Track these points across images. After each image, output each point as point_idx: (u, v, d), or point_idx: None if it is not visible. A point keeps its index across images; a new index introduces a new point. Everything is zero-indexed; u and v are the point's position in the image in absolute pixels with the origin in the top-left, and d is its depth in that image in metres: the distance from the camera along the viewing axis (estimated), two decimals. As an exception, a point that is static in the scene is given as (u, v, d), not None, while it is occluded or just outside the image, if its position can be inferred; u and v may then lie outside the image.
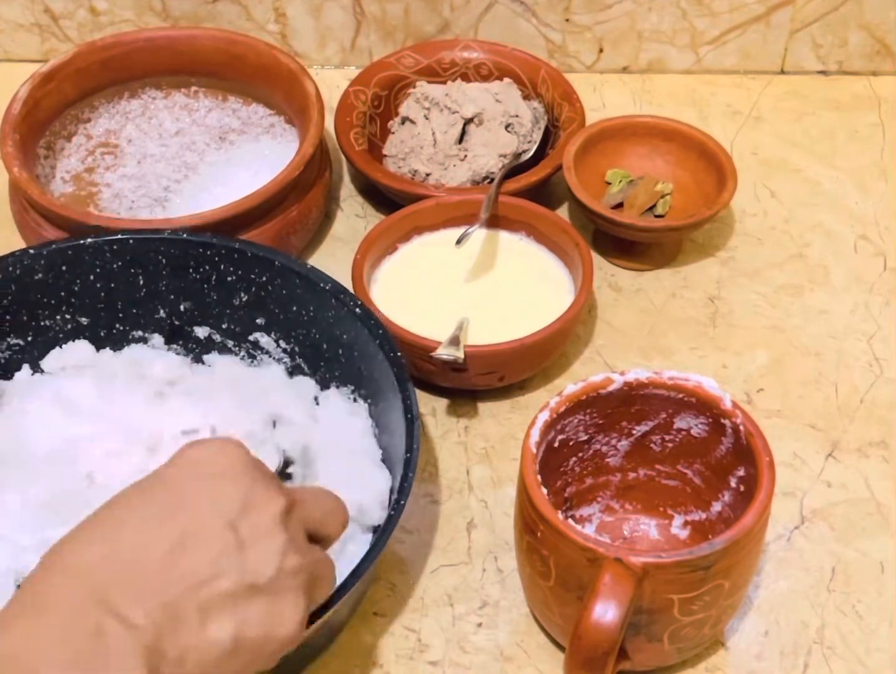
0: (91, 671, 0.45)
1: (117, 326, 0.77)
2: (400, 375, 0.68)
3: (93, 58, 0.93)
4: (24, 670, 0.44)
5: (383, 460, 0.71)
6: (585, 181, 0.87)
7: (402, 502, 0.63)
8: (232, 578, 0.49)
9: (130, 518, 0.49)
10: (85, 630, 0.46)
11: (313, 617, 0.55)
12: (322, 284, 0.73)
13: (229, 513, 0.50)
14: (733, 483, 0.67)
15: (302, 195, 0.87)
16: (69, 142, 0.93)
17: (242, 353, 0.78)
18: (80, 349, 0.76)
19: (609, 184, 0.91)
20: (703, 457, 0.68)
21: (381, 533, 0.62)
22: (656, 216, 0.89)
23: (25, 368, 0.76)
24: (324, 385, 0.76)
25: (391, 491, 0.68)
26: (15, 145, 0.85)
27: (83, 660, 0.45)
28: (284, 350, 0.77)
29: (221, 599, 0.48)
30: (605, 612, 0.57)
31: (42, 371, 0.76)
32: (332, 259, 0.89)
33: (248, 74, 0.94)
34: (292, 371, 0.77)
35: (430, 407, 0.80)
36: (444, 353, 0.74)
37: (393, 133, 0.95)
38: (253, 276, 0.75)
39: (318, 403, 0.75)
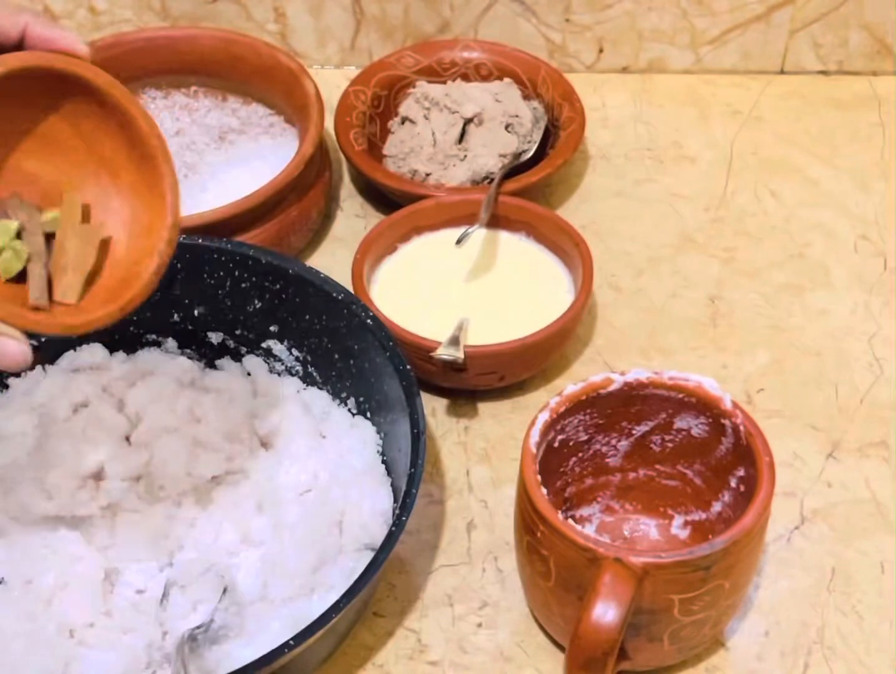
0: None
1: (131, 329, 0.77)
2: (408, 390, 0.67)
3: (92, 58, 0.92)
4: None
5: (387, 472, 0.71)
6: None
7: (404, 519, 0.62)
8: None
9: None
10: None
11: (317, 624, 0.57)
12: (335, 294, 0.73)
13: None
14: (733, 483, 0.67)
15: (302, 195, 0.87)
16: (69, 142, 0.93)
17: (259, 359, 0.78)
18: (93, 351, 0.76)
19: None
20: (703, 457, 0.68)
21: (383, 549, 0.62)
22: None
23: (38, 368, 0.76)
24: (334, 395, 0.76)
25: (394, 505, 0.68)
26: (14, 145, 0.85)
27: None
28: (297, 358, 0.76)
29: None
30: (606, 612, 0.57)
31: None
32: (332, 259, 0.89)
33: (248, 74, 0.94)
34: (305, 380, 0.77)
35: (430, 407, 0.80)
36: (444, 353, 0.74)
37: (393, 133, 0.95)
38: (267, 283, 0.74)
39: (326, 415, 0.75)
